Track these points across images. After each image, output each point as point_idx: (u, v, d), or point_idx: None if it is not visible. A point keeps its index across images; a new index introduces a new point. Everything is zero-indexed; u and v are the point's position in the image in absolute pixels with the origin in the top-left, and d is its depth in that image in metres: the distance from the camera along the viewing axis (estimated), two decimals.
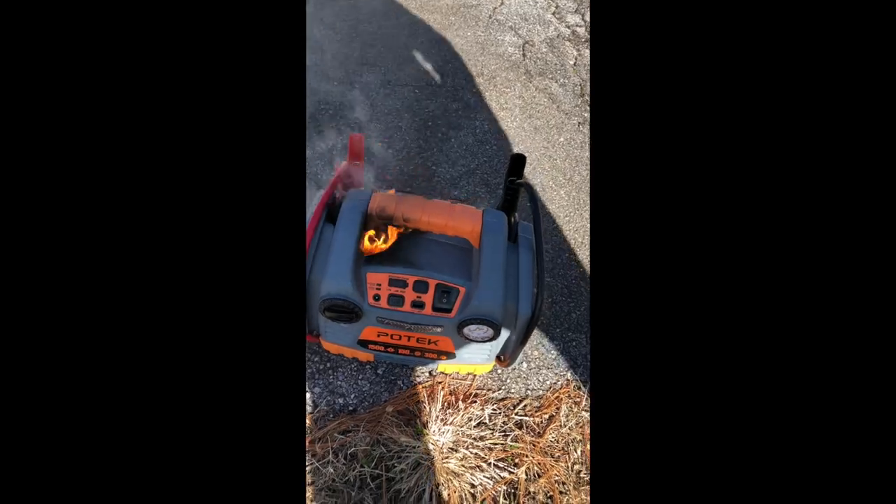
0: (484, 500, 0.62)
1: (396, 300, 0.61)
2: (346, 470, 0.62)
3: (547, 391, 0.74)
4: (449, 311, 0.62)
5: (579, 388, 0.75)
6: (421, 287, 0.61)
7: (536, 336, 0.81)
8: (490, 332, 0.63)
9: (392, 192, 0.66)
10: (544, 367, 0.78)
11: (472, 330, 0.62)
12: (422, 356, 0.68)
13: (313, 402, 0.69)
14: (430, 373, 0.73)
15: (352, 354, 0.70)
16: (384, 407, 0.69)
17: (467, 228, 0.61)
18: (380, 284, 0.61)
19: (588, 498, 0.64)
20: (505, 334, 0.65)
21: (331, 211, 0.62)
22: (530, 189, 0.64)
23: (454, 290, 0.62)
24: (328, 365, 0.72)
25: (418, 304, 0.61)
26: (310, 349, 0.73)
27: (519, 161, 0.68)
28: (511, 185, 0.66)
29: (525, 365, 0.78)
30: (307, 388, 0.69)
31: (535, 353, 0.79)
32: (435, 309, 0.62)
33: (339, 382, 0.71)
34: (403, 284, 0.61)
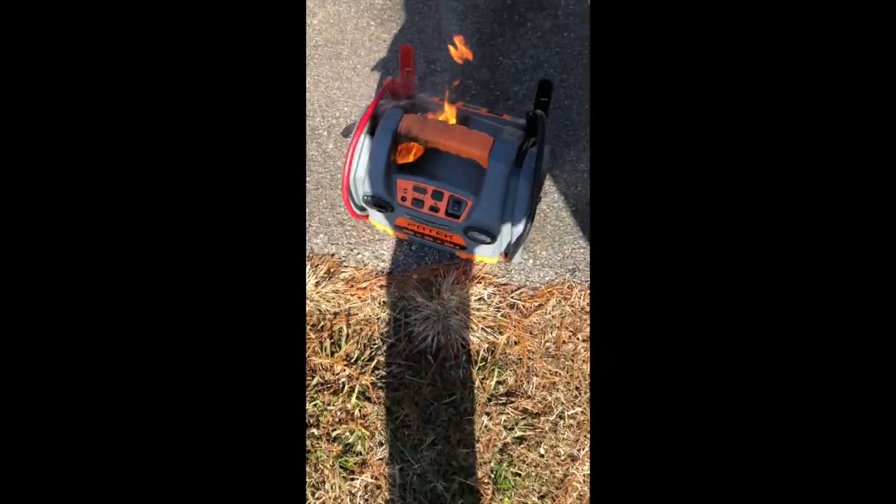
0: (469, 348, 0.86)
1: (418, 203, 0.78)
2: (380, 311, 0.89)
3: (543, 285, 0.91)
4: (458, 217, 0.78)
5: (571, 288, 0.90)
6: (437, 196, 0.77)
7: (548, 238, 0.94)
8: (488, 238, 0.78)
9: (418, 115, 0.77)
10: (548, 265, 0.93)
11: (474, 234, 0.79)
12: (442, 244, 0.87)
13: (363, 261, 0.94)
14: (450, 255, 0.92)
15: (391, 233, 0.92)
16: (411, 274, 0.92)
17: (476, 153, 0.72)
18: (406, 189, 0.78)
19: (549, 367, 0.85)
20: (511, 239, 0.80)
21: (373, 123, 0.77)
22: (542, 120, 0.71)
23: (463, 201, 0.77)
24: (377, 237, 0.95)
25: (434, 209, 0.78)
26: (365, 225, 0.96)
27: (544, 87, 0.73)
28: (529, 115, 0.73)
29: (532, 261, 0.93)
30: (360, 252, 0.94)
31: (544, 252, 0.94)
32: (447, 214, 0.78)
33: (382, 251, 0.95)
34: (423, 192, 0.77)
